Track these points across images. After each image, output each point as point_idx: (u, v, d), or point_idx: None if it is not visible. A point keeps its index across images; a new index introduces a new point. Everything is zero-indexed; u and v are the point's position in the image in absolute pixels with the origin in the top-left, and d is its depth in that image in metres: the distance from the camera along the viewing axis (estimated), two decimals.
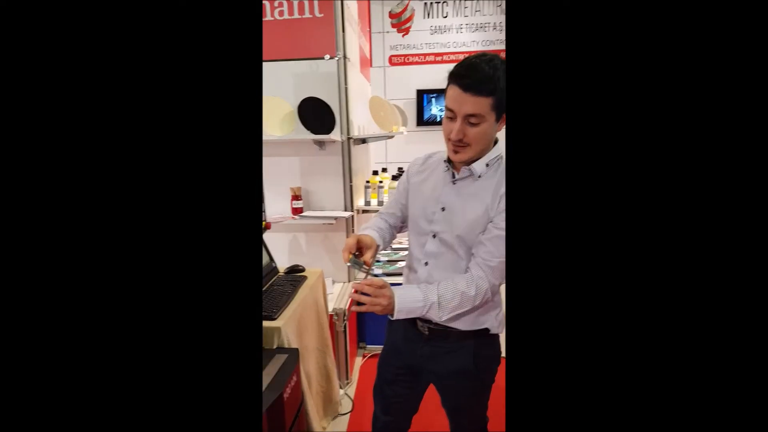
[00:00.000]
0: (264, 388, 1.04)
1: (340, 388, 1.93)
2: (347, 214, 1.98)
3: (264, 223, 1.10)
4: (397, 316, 0.91)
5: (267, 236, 1.92)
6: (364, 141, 2.42)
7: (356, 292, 0.90)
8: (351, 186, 2.06)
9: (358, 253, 1.00)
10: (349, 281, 2.13)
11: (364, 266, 0.98)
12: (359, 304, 0.90)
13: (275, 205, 2.06)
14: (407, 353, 1.08)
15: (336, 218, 1.90)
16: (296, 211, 1.98)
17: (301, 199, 2.01)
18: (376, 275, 2.23)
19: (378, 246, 1.05)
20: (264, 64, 1.96)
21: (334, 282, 2.07)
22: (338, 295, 1.96)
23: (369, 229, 1.10)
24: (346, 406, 1.85)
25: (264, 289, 1.46)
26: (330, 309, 1.82)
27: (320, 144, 2.01)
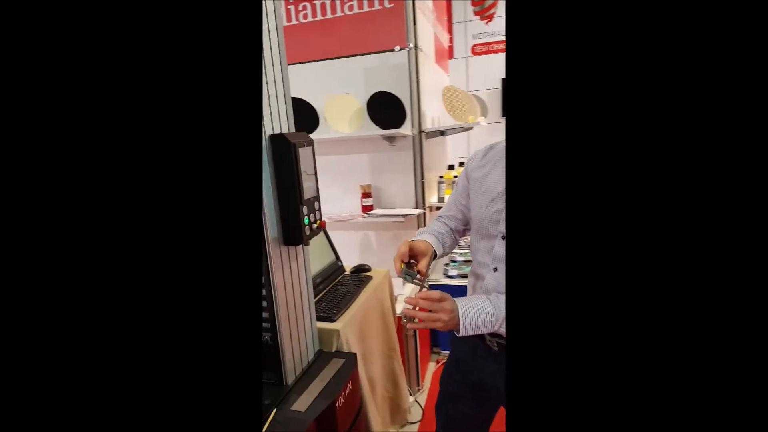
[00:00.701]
0: (317, 394, 1.00)
1: (411, 394, 1.85)
2: (417, 211, 1.88)
3: (318, 222, 1.05)
4: (463, 332, 0.80)
5: (337, 234, 1.90)
6: (443, 133, 2.30)
7: (413, 307, 0.80)
8: (423, 182, 1.96)
9: (414, 262, 0.91)
10: None
11: (418, 276, 0.88)
12: (415, 320, 0.80)
13: (345, 202, 2.04)
14: (473, 369, 0.96)
15: (405, 216, 1.81)
16: (366, 209, 1.94)
17: (371, 197, 1.96)
18: (451, 276, 2.10)
19: (435, 253, 0.94)
20: (334, 60, 1.95)
21: (404, 283, 1.99)
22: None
23: (426, 233, 0.99)
24: (416, 414, 1.76)
25: (327, 288, 1.43)
26: (399, 311, 1.74)
27: (390, 139, 1.94)
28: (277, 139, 0.94)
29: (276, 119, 0.98)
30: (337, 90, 1.93)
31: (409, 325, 0.81)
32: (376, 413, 1.36)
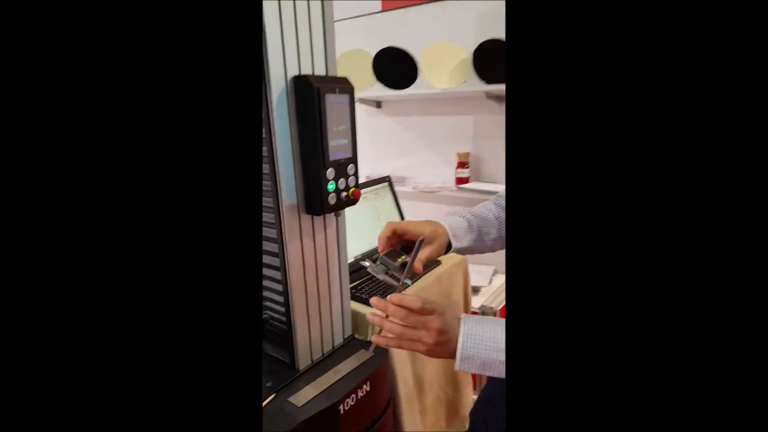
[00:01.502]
0: (323, 389, 0.86)
1: None
2: None
3: (352, 190, 0.87)
4: (460, 366, 0.56)
5: (426, 207, 1.69)
6: None
7: (386, 315, 0.58)
8: None
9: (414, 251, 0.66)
10: None
11: (398, 271, 0.63)
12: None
13: (440, 171, 1.80)
14: (501, 412, 0.70)
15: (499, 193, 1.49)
16: (460, 181, 1.67)
17: (467, 167, 1.67)
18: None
19: (449, 244, 0.68)
20: (442, 3, 1.66)
21: (495, 272, 1.69)
22: (496, 291, 1.59)
23: (456, 215, 0.72)
24: None
25: None
26: (476, 306, 1.48)
27: (499, 99, 1.60)
28: (299, 82, 0.77)
29: (307, 59, 0.80)
30: (443, 38, 1.65)
31: (373, 338, 0.59)
32: (417, 416, 1.18)
